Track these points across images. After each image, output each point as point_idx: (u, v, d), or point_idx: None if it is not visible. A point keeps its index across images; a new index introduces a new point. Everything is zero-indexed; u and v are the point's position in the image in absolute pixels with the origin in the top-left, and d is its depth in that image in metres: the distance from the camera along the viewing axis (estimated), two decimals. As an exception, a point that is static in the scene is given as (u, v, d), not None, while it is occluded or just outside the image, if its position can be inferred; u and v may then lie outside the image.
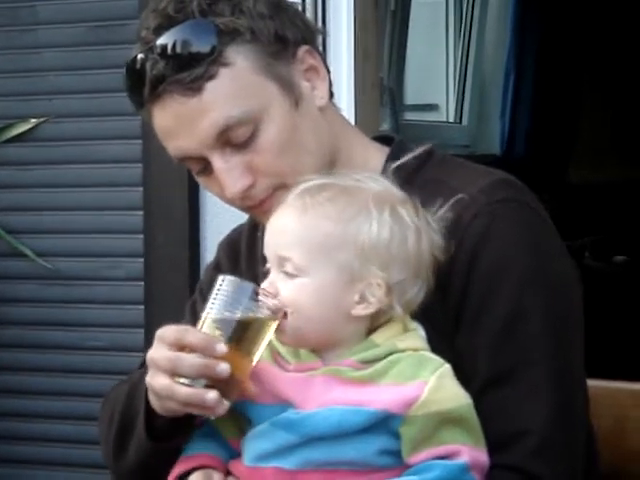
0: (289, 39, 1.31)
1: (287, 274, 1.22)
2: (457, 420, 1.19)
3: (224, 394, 1.20)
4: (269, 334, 1.22)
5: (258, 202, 1.32)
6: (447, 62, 4.14)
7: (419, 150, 1.37)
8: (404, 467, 1.20)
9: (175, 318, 2.61)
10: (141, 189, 2.49)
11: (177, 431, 1.28)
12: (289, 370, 1.23)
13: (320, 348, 1.23)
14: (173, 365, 1.20)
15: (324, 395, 1.20)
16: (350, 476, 1.19)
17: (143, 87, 1.28)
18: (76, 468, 2.49)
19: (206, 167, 1.31)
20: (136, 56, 1.29)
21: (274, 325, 1.22)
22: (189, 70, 1.26)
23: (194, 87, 1.26)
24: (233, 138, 1.28)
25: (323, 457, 1.19)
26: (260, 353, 1.22)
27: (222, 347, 1.19)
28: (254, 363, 1.22)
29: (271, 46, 1.30)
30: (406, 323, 1.25)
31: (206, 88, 1.27)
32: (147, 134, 2.45)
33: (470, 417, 1.20)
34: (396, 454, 1.20)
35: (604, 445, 1.42)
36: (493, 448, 1.21)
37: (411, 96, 4.02)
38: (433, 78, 4.15)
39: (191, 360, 1.19)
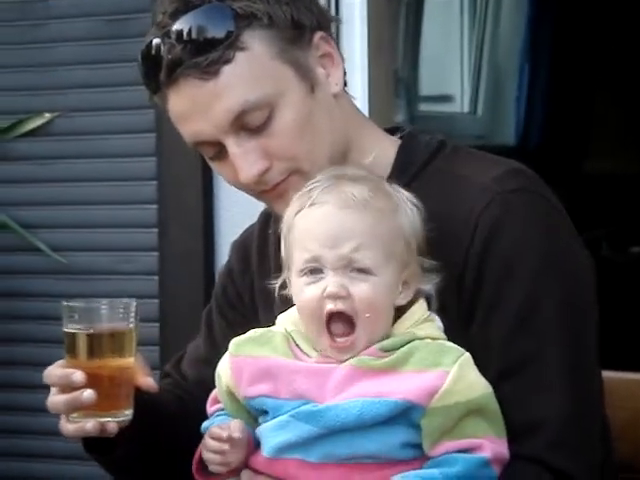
0: (305, 25, 1.31)
1: (360, 272, 1.21)
2: (478, 410, 1.19)
3: (121, 399, 1.26)
4: (134, 337, 1.26)
5: (272, 186, 1.31)
6: (462, 53, 4.12)
7: (430, 141, 1.37)
8: (425, 458, 1.20)
9: (189, 313, 2.62)
10: (155, 183, 2.49)
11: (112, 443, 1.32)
12: (309, 362, 1.23)
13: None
14: (54, 408, 1.27)
15: (345, 388, 1.20)
16: (372, 469, 1.19)
17: (159, 71, 1.28)
18: (87, 462, 2.50)
19: (220, 152, 1.31)
20: (152, 40, 1.29)
21: (133, 329, 1.26)
22: (206, 54, 1.26)
23: (211, 71, 1.26)
24: (249, 122, 1.28)
25: (345, 450, 1.19)
26: (133, 352, 1.26)
27: (79, 376, 1.24)
28: (132, 364, 1.27)
29: (287, 31, 1.29)
30: (422, 313, 1.25)
31: (223, 72, 1.27)
32: (161, 128, 2.45)
33: (491, 406, 1.20)
34: (418, 446, 1.20)
35: (620, 436, 1.41)
36: (510, 438, 1.21)
37: (426, 87, 4.00)
38: (448, 69, 4.13)
39: (59, 400, 1.26)
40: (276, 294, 1.30)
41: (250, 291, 1.45)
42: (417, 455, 1.20)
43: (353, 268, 1.21)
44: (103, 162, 2.55)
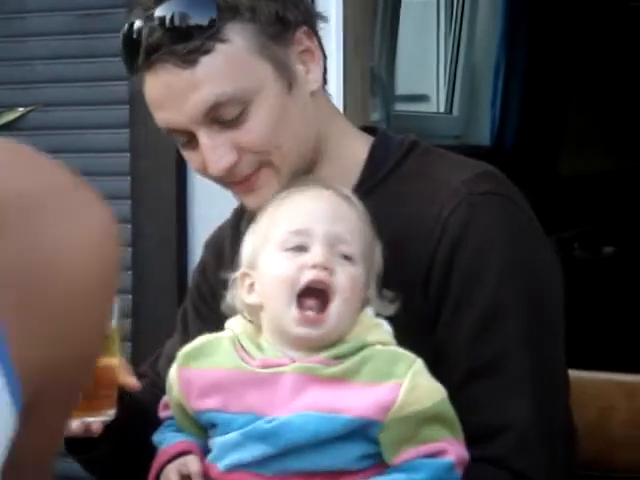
0: (290, 21, 1.30)
1: (344, 258, 1.20)
2: (435, 416, 1.18)
3: (105, 399, 1.25)
4: (117, 338, 1.26)
5: (242, 178, 1.31)
6: (438, 52, 4.13)
7: (403, 141, 1.37)
8: (384, 465, 1.19)
9: (162, 308, 2.60)
10: (129, 178, 2.48)
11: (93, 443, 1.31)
12: (253, 365, 1.21)
13: (329, 344, 1.20)
14: None
15: (296, 398, 1.18)
16: (329, 479, 1.17)
17: (138, 53, 1.27)
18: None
19: (191, 141, 1.31)
20: (134, 22, 1.28)
21: (117, 330, 1.25)
22: (185, 42, 1.25)
23: (189, 60, 1.26)
24: (221, 116, 1.28)
25: (301, 466, 1.17)
26: (117, 352, 1.26)
27: None
28: (116, 364, 1.26)
29: (270, 27, 1.29)
30: (370, 319, 1.23)
31: (200, 62, 1.26)
32: (135, 123, 2.44)
33: (447, 411, 1.19)
34: (376, 456, 1.19)
35: (589, 435, 1.42)
36: (474, 440, 1.21)
37: (402, 86, 4.01)
38: (424, 68, 4.14)
39: None
40: (223, 303, 1.29)
41: (224, 288, 1.44)
42: (375, 463, 1.19)
43: (339, 252, 1.20)
44: (77, 157, 2.54)
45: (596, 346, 3.03)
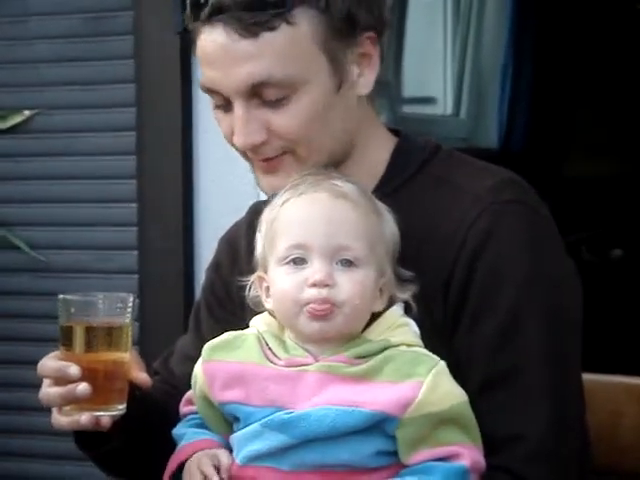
0: (359, 22, 1.29)
1: (346, 264, 1.20)
2: (453, 419, 1.18)
3: (115, 393, 1.25)
4: (130, 332, 1.26)
5: (263, 159, 1.31)
6: (445, 55, 4.12)
7: (425, 145, 1.36)
8: (401, 464, 1.19)
9: (169, 311, 2.59)
10: (134, 181, 2.48)
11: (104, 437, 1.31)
12: (279, 365, 1.22)
13: (341, 343, 1.21)
14: (48, 401, 1.25)
15: (318, 394, 1.18)
16: (345, 476, 1.18)
17: (204, 7, 1.26)
18: (67, 461, 2.49)
19: (226, 105, 1.30)
20: None
21: (130, 324, 1.25)
22: (254, 12, 1.24)
23: (251, 30, 1.24)
24: (264, 95, 1.27)
25: (318, 459, 1.18)
26: (129, 347, 1.26)
27: (75, 370, 1.22)
28: (127, 358, 1.26)
29: (338, 23, 1.28)
30: (396, 318, 1.24)
31: (262, 37, 1.25)
32: (141, 126, 2.44)
33: (466, 415, 1.19)
34: (392, 454, 1.19)
35: (598, 440, 1.41)
36: (487, 449, 1.20)
37: (409, 89, 4.00)
38: (431, 71, 4.13)
39: (54, 393, 1.24)
40: (247, 297, 1.29)
41: (239, 287, 1.44)
42: (391, 462, 1.19)
43: (340, 259, 1.20)
44: (82, 160, 2.54)
45: (605, 350, 3.02)
